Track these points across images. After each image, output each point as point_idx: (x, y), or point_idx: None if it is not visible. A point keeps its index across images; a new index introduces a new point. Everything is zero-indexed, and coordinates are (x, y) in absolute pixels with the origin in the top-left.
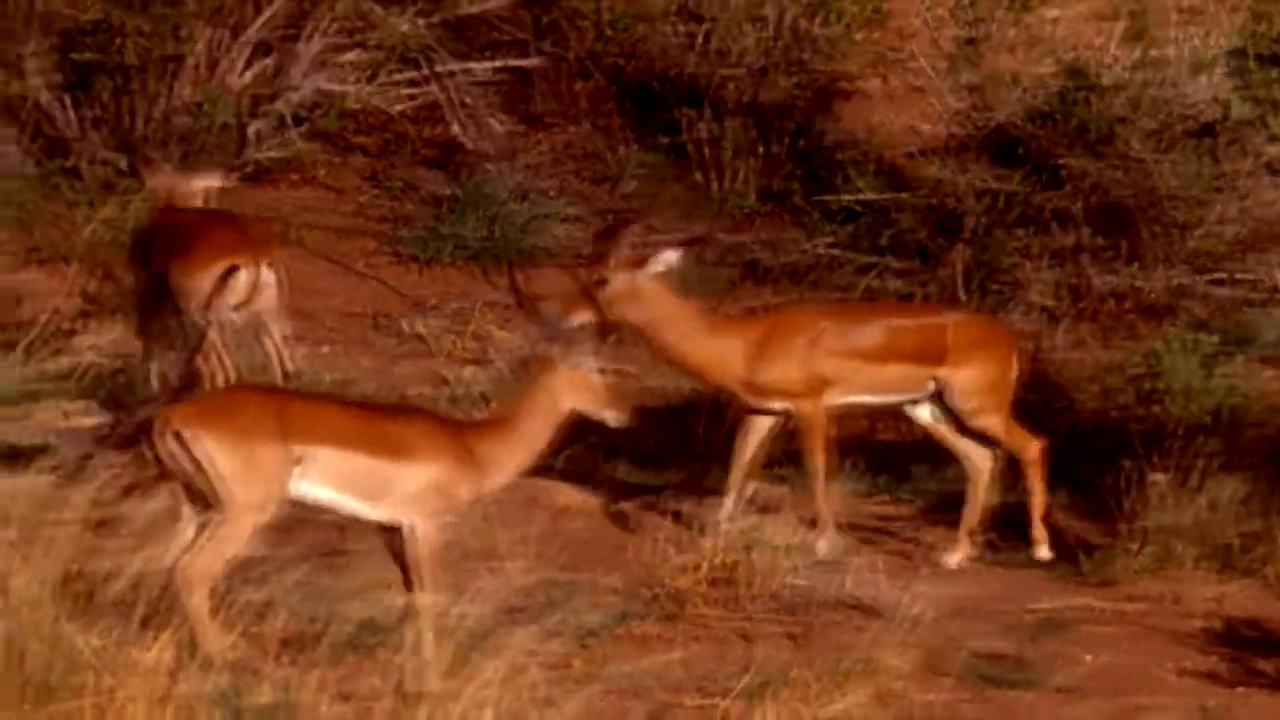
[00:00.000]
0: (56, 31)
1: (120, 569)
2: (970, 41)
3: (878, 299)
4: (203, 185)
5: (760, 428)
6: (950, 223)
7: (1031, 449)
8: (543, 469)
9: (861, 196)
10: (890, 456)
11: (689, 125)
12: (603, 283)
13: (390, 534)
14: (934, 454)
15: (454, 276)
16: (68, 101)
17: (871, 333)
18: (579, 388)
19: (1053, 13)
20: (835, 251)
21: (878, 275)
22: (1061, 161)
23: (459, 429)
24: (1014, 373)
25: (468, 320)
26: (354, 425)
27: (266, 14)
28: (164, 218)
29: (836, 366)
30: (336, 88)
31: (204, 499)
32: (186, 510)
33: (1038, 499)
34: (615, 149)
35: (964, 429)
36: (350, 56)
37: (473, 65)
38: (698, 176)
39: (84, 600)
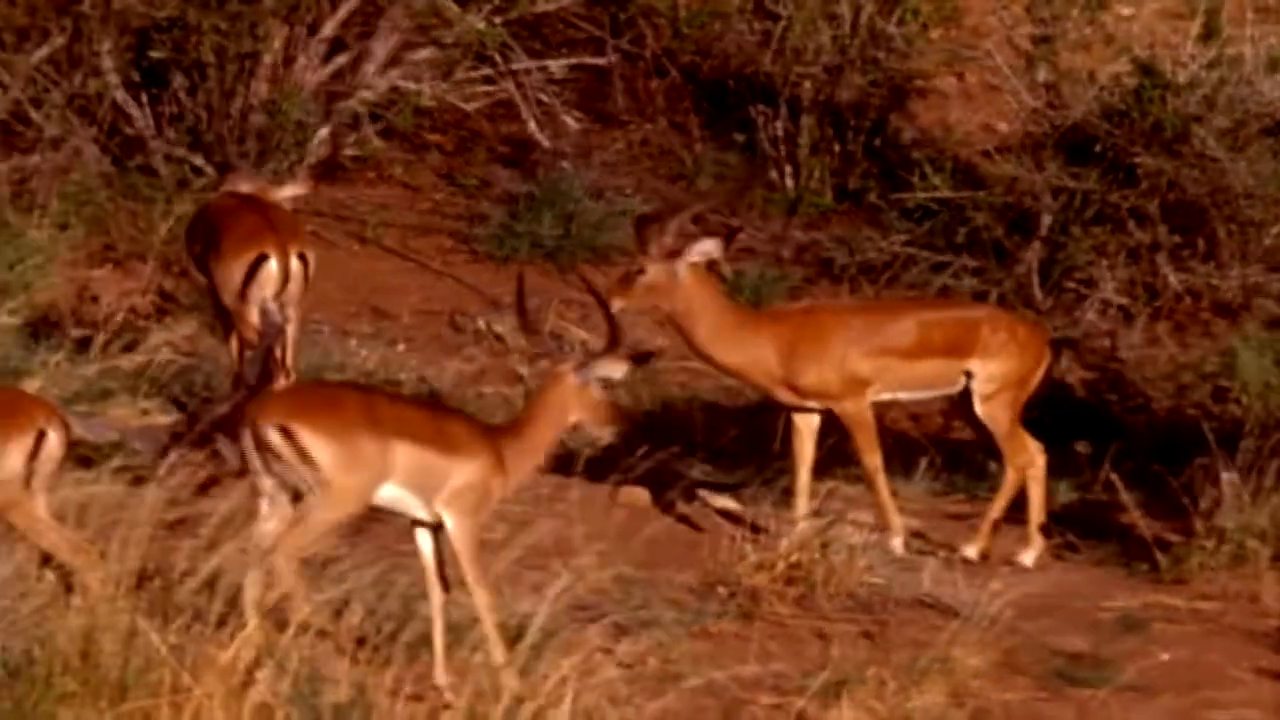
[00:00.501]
0: (132, 29)
1: (196, 567)
2: (1045, 39)
3: (908, 294)
4: (289, 194)
5: (811, 425)
6: (1025, 221)
7: (1022, 459)
8: (621, 468)
9: (936, 194)
10: (967, 455)
11: (764, 123)
12: (641, 272)
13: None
14: None
15: (529, 274)
16: (143, 99)
17: (905, 329)
18: (583, 402)
19: (1127, 10)
20: (910, 249)
21: (953, 274)
22: (1136, 159)
23: (490, 430)
24: (1038, 374)
25: (543, 318)
26: (422, 420)
27: (342, 11)
28: (203, 210)
29: (872, 365)
30: (411, 85)
31: (295, 493)
32: (265, 507)
33: (1000, 503)
34: (690, 147)
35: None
36: (425, 54)
37: (548, 62)
38: (773, 174)
39: (159, 598)
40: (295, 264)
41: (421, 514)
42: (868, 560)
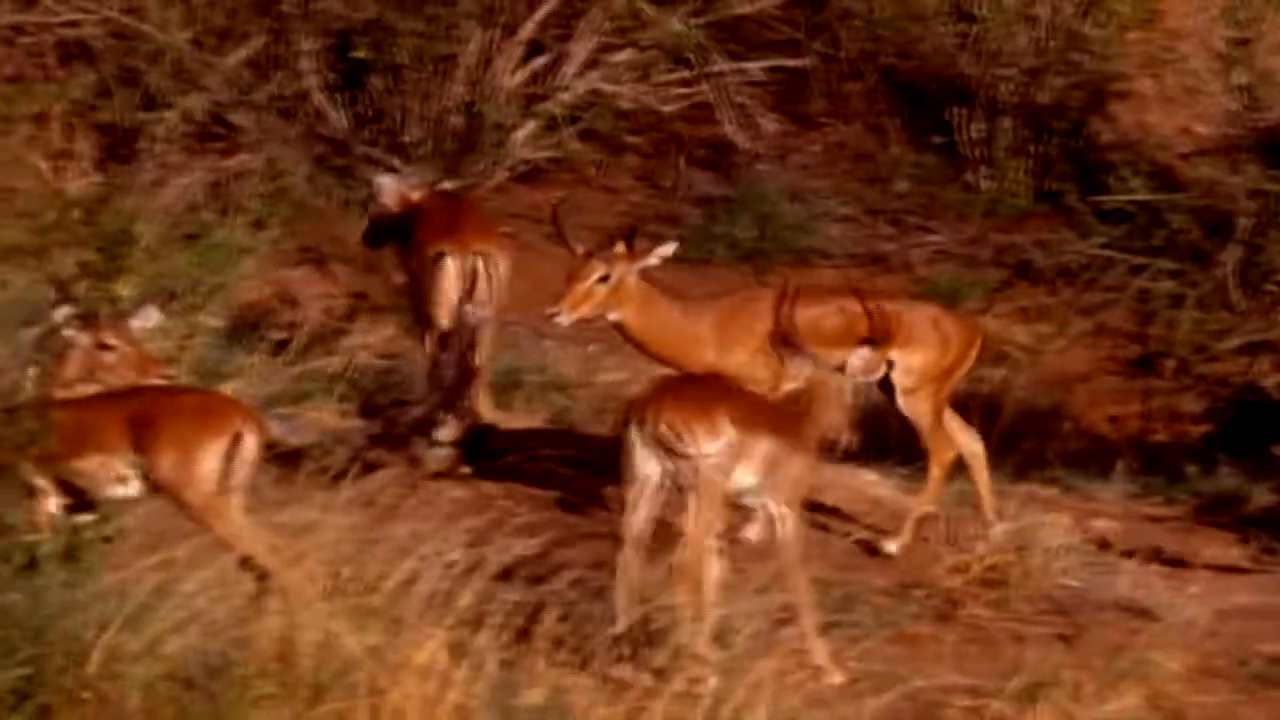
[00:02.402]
0: (332, 31)
1: (392, 569)
2: (1242, 42)
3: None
4: (417, 195)
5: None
6: (1222, 223)
7: (946, 455)
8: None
9: (1134, 197)
10: (1164, 457)
11: (961, 125)
12: (605, 279)
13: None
14: (1208, 455)
15: (726, 277)
16: (341, 101)
17: (830, 316)
18: (839, 406)
19: None
20: (1108, 252)
21: (1150, 276)
22: None
23: None
24: (963, 368)
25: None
26: (770, 411)
27: (539, 13)
28: (408, 209)
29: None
30: (609, 87)
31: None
32: (635, 495)
33: (929, 496)
34: (887, 149)
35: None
36: (623, 56)
37: (745, 65)
38: (970, 176)
39: (356, 600)
40: (478, 263)
41: (756, 501)
42: (1064, 563)
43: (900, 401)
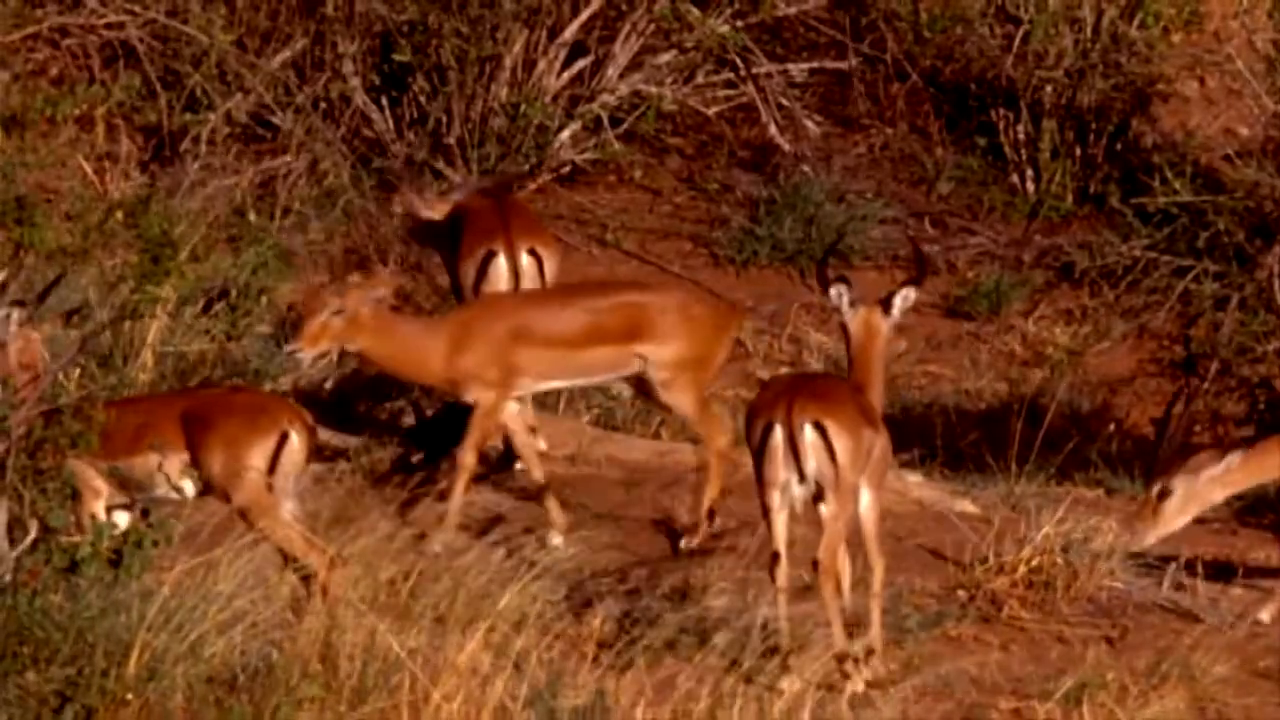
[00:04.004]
0: (374, 33)
1: (436, 570)
2: None
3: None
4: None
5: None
6: (1266, 225)
7: (719, 440)
8: None
9: (1177, 199)
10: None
11: (1005, 127)
12: (339, 312)
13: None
14: None
15: (770, 278)
16: (384, 102)
17: (571, 317)
18: (891, 335)
19: None
20: (1151, 254)
21: (1194, 278)
22: None
23: None
24: (720, 354)
25: (784, 322)
26: (858, 399)
27: (583, 15)
28: (452, 210)
29: (535, 355)
30: (652, 89)
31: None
32: (777, 498)
33: (710, 490)
34: (931, 151)
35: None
36: (666, 58)
37: (789, 67)
38: (1014, 178)
39: (399, 601)
40: (526, 261)
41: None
42: (1108, 565)
43: (660, 395)
